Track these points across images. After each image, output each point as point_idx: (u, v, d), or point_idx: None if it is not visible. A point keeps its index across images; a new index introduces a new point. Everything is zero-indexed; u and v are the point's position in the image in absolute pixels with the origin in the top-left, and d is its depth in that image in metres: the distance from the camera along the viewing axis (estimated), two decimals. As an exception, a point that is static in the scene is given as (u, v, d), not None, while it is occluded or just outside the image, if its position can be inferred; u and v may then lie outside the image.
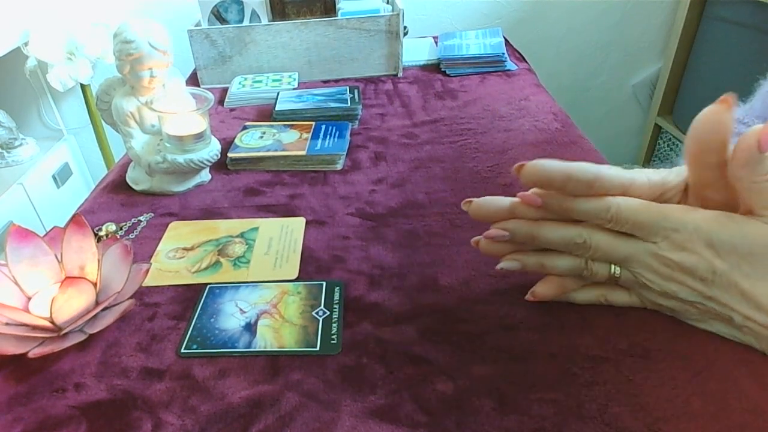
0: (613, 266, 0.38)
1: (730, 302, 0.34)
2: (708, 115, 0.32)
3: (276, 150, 0.69)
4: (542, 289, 0.42)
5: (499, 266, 0.41)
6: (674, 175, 0.37)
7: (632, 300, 0.41)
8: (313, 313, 0.44)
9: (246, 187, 0.65)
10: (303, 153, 0.68)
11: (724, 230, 0.33)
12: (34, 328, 0.41)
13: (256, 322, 0.44)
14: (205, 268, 0.50)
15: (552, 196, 0.37)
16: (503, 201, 0.40)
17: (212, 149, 0.63)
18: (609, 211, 0.35)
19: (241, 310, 0.45)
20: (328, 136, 0.71)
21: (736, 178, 0.32)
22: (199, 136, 0.61)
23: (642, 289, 0.39)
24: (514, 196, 0.40)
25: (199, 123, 0.61)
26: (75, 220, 0.45)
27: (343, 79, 0.99)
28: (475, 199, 0.40)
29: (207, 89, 0.64)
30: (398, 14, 0.94)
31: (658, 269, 0.36)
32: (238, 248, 0.53)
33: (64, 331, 0.41)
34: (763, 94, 0.50)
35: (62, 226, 0.46)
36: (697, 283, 0.35)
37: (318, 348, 0.41)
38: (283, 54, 0.97)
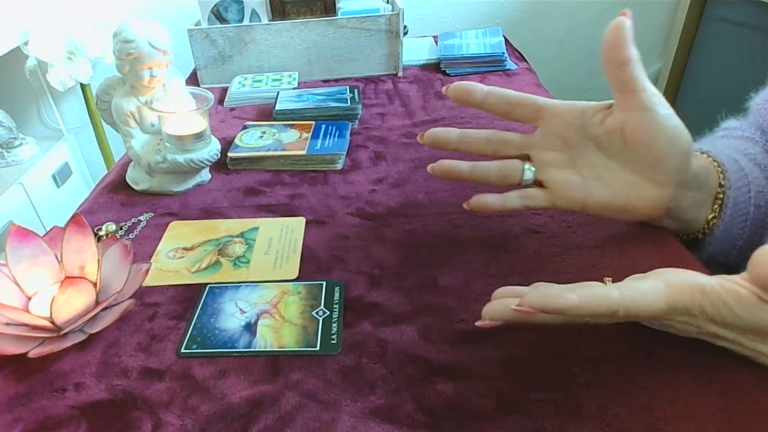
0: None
1: (739, 340, 0.35)
2: (612, 23, 0.39)
3: (276, 150, 0.69)
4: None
5: (478, 324, 0.37)
6: (594, 102, 0.42)
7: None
8: (313, 313, 0.44)
9: (246, 186, 0.64)
10: (303, 153, 0.68)
11: (731, 316, 0.33)
12: (34, 328, 0.41)
13: (256, 322, 0.44)
14: (205, 268, 0.50)
15: (555, 293, 0.33)
16: (453, 131, 0.46)
17: (212, 149, 0.63)
18: (617, 314, 0.33)
19: (241, 310, 0.45)
20: (328, 136, 0.71)
21: (760, 293, 0.32)
22: (199, 136, 0.61)
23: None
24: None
25: (199, 123, 0.61)
26: (75, 219, 0.45)
27: (343, 79, 0.99)
28: (427, 132, 0.47)
29: (207, 89, 0.64)
30: (398, 14, 0.94)
31: (671, 325, 0.37)
32: (238, 248, 0.53)
33: (64, 331, 0.41)
34: (757, 107, 0.51)
35: (62, 225, 0.46)
36: (705, 336, 0.36)
37: (318, 348, 0.41)
38: (283, 53, 0.97)
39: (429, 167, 0.48)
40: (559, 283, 0.45)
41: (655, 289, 0.33)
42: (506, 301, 0.35)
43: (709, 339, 0.36)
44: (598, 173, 0.44)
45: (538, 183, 0.47)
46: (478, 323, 0.36)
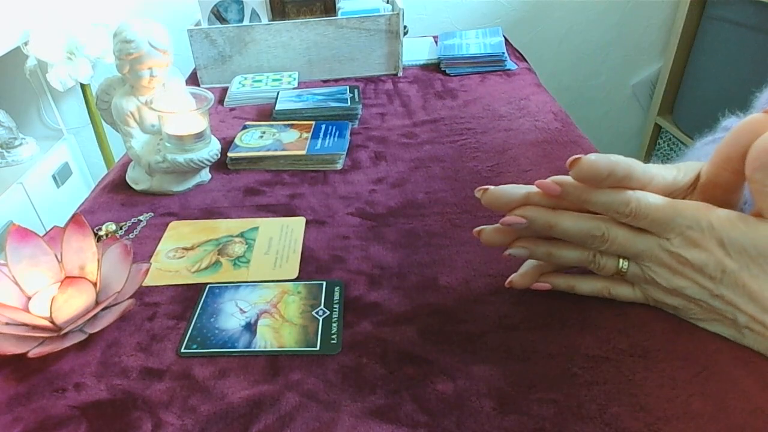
0: (621, 260, 0.38)
1: (737, 302, 0.34)
2: (753, 123, 0.33)
3: (276, 149, 0.69)
4: (519, 279, 0.43)
5: (507, 252, 0.41)
6: (683, 174, 0.38)
7: (636, 295, 0.41)
8: (313, 313, 0.44)
9: (246, 186, 0.64)
10: (303, 152, 0.68)
11: (735, 231, 0.33)
12: (34, 327, 0.41)
13: (256, 322, 0.44)
14: (205, 268, 0.50)
15: (572, 185, 0.36)
16: (519, 190, 0.39)
17: (212, 149, 0.63)
18: (629, 206, 0.35)
19: (241, 309, 0.45)
20: (328, 136, 0.71)
21: (751, 180, 0.33)
22: (199, 136, 0.61)
23: (648, 284, 0.39)
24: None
25: (199, 122, 0.61)
26: (75, 219, 0.45)
27: (343, 79, 0.99)
28: (492, 188, 0.39)
29: (207, 89, 0.64)
30: (398, 14, 0.94)
31: (669, 264, 0.36)
32: (238, 248, 0.53)
33: (64, 331, 0.41)
34: (762, 104, 0.50)
35: (62, 225, 0.46)
36: (705, 280, 0.35)
37: (318, 348, 0.41)
38: (283, 53, 0.97)
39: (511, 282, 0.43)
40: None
41: (665, 198, 0.36)
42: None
43: (709, 300, 0.35)
44: None
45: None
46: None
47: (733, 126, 0.51)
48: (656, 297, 0.39)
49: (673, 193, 0.38)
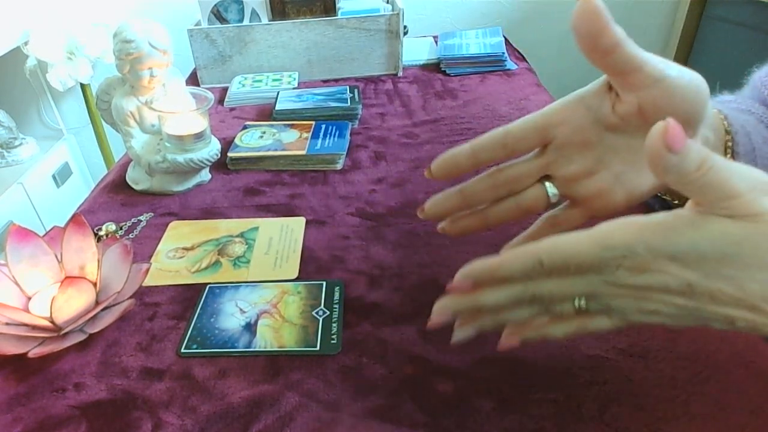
0: (577, 300, 0.32)
1: (722, 310, 0.29)
2: (578, 7, 0.31)
3: (276, 149, 0.69)
4: (508, 340, 0.36)
5: (453, 341, 0.35)
6: (592, 84, 0.36)
7: (614, 323, 0.34)
8: (313, 313, 0.44)
9: (246, 186, 0.64)
10: (303, 152, 0.68)
11: (681, 239, 0.28)
12: (34, 328, 0.41)
13: (256, 322, 0.44)
14: (205, 268, 0.50)
15: (478, 267, 0.33)
16: (451, 191, 0.39)
17: (212, 149, 0.63)
18: (542, 264, 0.30)
19: (241, 310, 0.45)
20: (328, 136, 0.71)
21: (666, 182, 0.28)
22: (199, 136, 0.61)
23: (620, 314, 0.33)
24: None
25: (199, 122, 0.61)
26: (75, 219, 0.45)
27: (343, 79, 0.99)
28: (426, 203, 0.40)
29: (207, 89, 0.64)
30: (398, 14, 0.94)
31: (626, 294, 0.30)
32: (238, 248, 0.53)
33: (64, 331, 0.41)
34: (762, 80, 0.50)
35: (62, 225, 0.46)
36: (676, 298, 0.29)
37: (318, 348, 0.41)
38: (283, 53, 0.97)
39: (439, 227, 0.42)
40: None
41: (580, 233, 0.30)
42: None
43: (692, 313, 0.30)
44: (627, 159, 0.38)
45: (565, 198, 0.40)
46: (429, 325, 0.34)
47: (727, 99, 0.49)
48: (636, 320, 0.33)
49: (584, 100, 0.37)
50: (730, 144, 0.42)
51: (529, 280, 0.32)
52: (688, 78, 0.35)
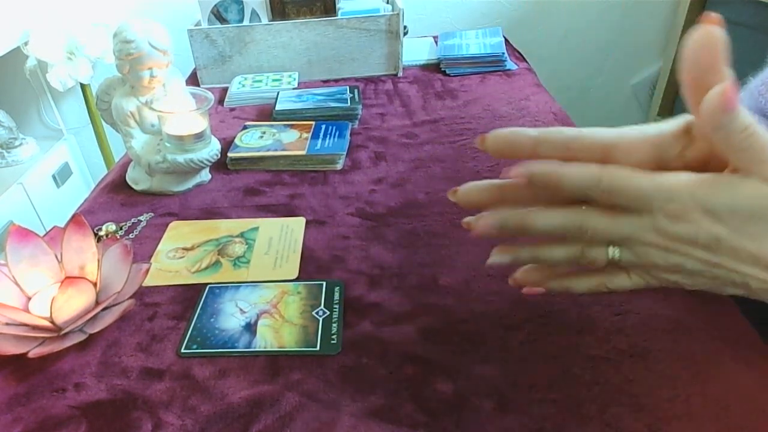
0: (611, 249, 0.35)
1: (741, 267, 0.32)
2: (697, 36, 0.30)
3: (276, 150, 0.69)
4: (522, 275, 0.39)
5: (488, 262, 0.38)
6: (669, 123, 0.35)
7: (634, 282, 0.36)
8: (313, 313, 0.44)
9: (246, 186, 0.65)
10: (303, 153, 0.68)
11: (719, 194, 0.31)
12: (34, 328, 0.41)
13: (256, 322, 0.44)
14: (205, 268, 0.50)
15: (539, 167, 0.34)
16: (491, 182, 0.38)
17: (212, 149, 0.63)
18: (601, 183, 0.32)
19: (241, 310, 0.45)
20: (328, 136, 0.71)
21: (714, 140, 0.31)
22: (199, 136, 0.61)
23: (647, 267, 0.35)
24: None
25: (199, 123, 0.61)
26: (75, 220, 0.45)
27: (343, 79, 0.99)
28: (461, 186, 0.38)
29: (207, 89, 0.64)
30: (398, 14, 0.94)
31: (659, 243, 0.33)
32: (238, 248, 0.53)
33: (64, 331, 0.41)
34: (758, 88, 0.50)
35: (62, 226, 0.46)
36: (701, 252, 0.32)
37: (318, 348, 0.41)
38: (283, 54, 0.97)
39: (464, 222, 0.39)
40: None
41: (641, 174, 0.32)
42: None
43: (711, 269, 0.32)
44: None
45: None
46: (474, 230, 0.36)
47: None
48: (657, 277, 0.35)
49: (662, 144, 0.35)
50: None
51: (581, 211, 0.34)
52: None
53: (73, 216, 0.46)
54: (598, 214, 0.34)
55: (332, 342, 0.41)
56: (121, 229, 0.57)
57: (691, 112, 0.33)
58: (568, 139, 0.36)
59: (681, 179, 0.32)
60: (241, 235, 0.55)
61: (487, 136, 0.36)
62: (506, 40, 1.09)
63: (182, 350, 0.41)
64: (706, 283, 0.34)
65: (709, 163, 0.34)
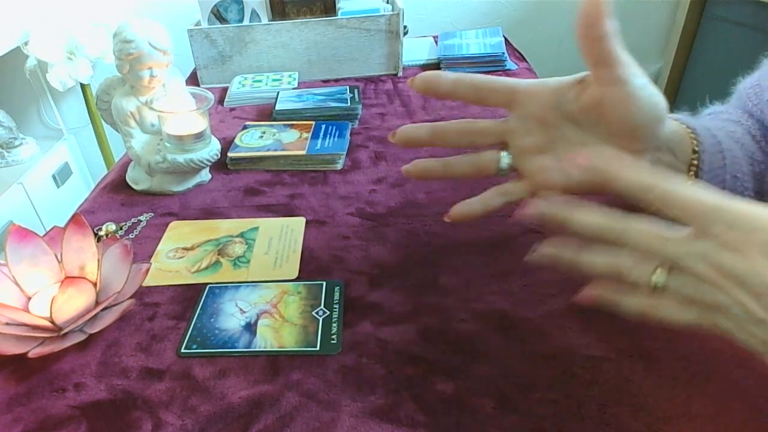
0: (659, 272, 0.30)
1: None
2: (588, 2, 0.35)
3: (276, 150, 0.69)
4: (588, 292, 0.34)
5: (527, 258, 0.35)
6: (562, 77, 0.40)
7: (684, 315, 0.31)
8: (313, 313, 0.44)
9: (246, 186, 0.65)
10: (303, 152, 0.68)
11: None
12: (34, 328, 0.41)
13: (256, 322, 0.44)
14: (205, 268, 0.50)
15: (596, 164, 0.32)
16: (425, 124, 0.44)
17: (212, 149, 0.63)
18: (653, 191, 0.29)
19: (241, 310, 0.45)
20: (328, 136, 0.71)
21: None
22: (199, 136, 0.61)
23: (692, 302, 0.30)
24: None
25: (199, 123, 0.61)
26: (75, 219, 0.45)
27: (343, 79, 0.99)
28: (398, 128, 0.44)
29: (207, 89, 0.64)
30: (398, 14, 0.94)
31: (706, 275, 0.28)
32: (238, 248, 0.53)
33: (64, 331, 0.41)
34: (746, 90, 0.51)
35: (62, 226, 0.46)
36: (750, 299, 0.27)
37: (318, 348, 0.41)
38: (283, 53, 0.97)
39: (403, 169, 0.46)
40: (559, 282, 0.45)
41: (700, 190, 0.28)
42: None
43: (755, 327, 0.28)
44: (573, 151, 0.41)
45: (515, 171, 0.44)
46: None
47: (717, 111, 0.51)
48: (702, 317, 0.30)
49: (561, 91, 0.40)
50: (695, 162, 0.44)
51: (627, 216, 0.30)
52: (649, 93, 0.38)
53: (73, 216, 0.46)
54: (645, 225, 0.30)
55: (332, 342, 0.41)
56: (121, 229, 0.57)
57: (585, 63, 0.37)
58: (479, 82, 0.42)
59: (749, 208, 0.27)
60: (241, 235, 0.55)
61: (415, 78, 0.42)
62: (506, 40, 1.09)
63: (182, 350, 0.41)
64: (753, 340, 0.28)
65: (603, 108, 0.38)
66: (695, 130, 0.44)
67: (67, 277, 0.40)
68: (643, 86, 0.38)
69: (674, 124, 0.44)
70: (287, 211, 0.59)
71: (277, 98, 0.84)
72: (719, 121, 0.49)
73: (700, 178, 0.43)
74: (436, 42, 1.12)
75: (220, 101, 0.91)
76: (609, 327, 0.40)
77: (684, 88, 1.52)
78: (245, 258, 0.52)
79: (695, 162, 0.43)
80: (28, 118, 1.63)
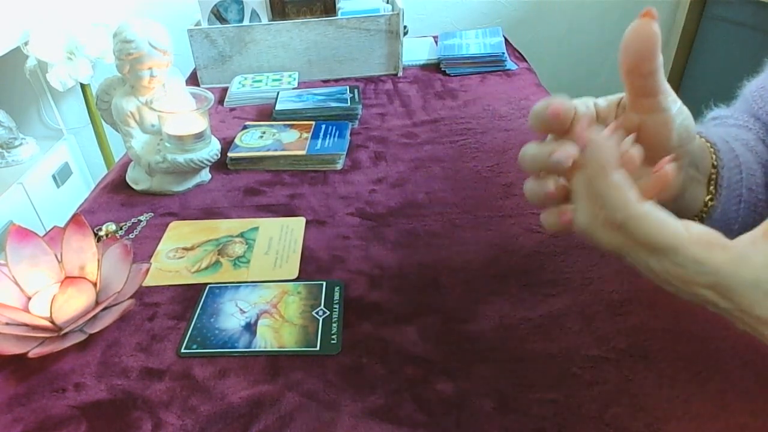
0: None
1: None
2: (637, 27, 0.33)
3: (276, 150, 0.69)
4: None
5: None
6: (602, 100, 0.39)
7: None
8: (313, 313, 0.44)
9: (246, 186, 0.64)
10: (303, 153, 0.68)
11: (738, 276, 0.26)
12: (34, 328, 0.41)
13: (256, 322, 0.44)
14: (205, 268, 0.50)
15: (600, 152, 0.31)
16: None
17: (212, 149, 0.63)
18: (625, 247, 0.29)
19: (241, 310, 0.45)
20: (328, 136, 0.71)
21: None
22: (199, 136, 0.61)
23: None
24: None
25: (199, 123, 0.61)
26: (75, 219, 0.45)
27: (343, 79, 0.99)
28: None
29: (207, 89, 0.64)
30: (398, 14, 0.94)
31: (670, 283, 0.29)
32: (238, 248, 0.53)
33: (64, 331, 0.41)
34: (752, 94, 0.51)
35: (62, 226, 0.46)
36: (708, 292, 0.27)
37: (318, 348, 0.41)
38: (283, 53, 0.97)
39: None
40: (558, 283, 0.45)
41: (715, 247, 0.27)
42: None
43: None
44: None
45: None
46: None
47: (724, 115, 0.51)
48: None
49: (598, 117, 0.38)
50: (714, 177, 0.44)
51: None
52: (684, 116, 0.39)
53: (73, 216, 0.46)
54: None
55: (332, 342, 0.41)
56: (121, 229, 0.57)
57: (626, 92, 0.37)
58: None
59: (703, 253, 0.27)
60: (241, 235, 0.55)
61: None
62: (506, 40, 1.09)
63: (182, 350, 0.41)
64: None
65: (642, 134, 0.37)
66: (715, 144, 0.45)
67: (67, 277, 0.40)
68: (680, 112, 0.38)
69: (696, 137, 0.44)
70: (287, 211, 0.59)
71: (277, 98, 0.84)
72: (729, 127, 0.50)
73: (719, 193, 0.43)
74: (436, 42, 1.12)
75: (220, 101, 0.91)
76: (609, 327, 0.40)
77: (684, 88, 1.52)
78: (245, 258, 0.52)
79: (714, 177, 0.44)
80: (28, 118, 1.63)
